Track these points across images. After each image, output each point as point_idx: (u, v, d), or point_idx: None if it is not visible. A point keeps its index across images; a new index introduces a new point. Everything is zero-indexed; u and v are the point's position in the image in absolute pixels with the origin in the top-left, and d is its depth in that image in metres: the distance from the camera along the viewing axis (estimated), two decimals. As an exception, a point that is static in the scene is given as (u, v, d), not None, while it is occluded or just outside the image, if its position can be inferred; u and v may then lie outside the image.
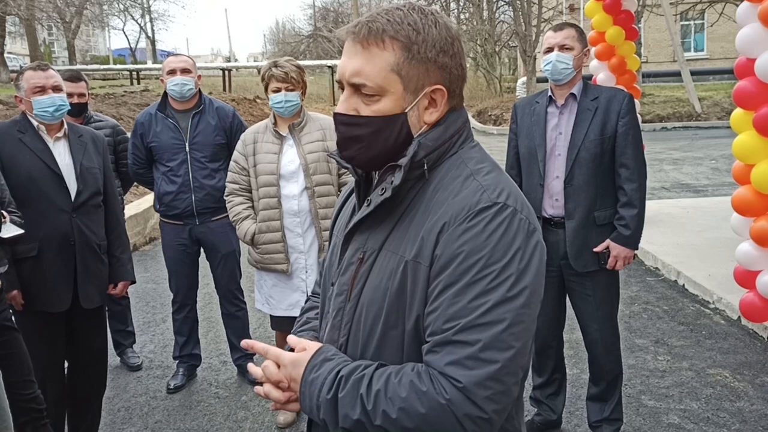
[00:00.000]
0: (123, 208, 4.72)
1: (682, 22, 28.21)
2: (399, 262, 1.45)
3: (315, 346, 1.52)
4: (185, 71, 4.62)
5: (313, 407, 1.43)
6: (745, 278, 5.14)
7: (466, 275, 1.36)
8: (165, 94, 4.73)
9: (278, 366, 1.52)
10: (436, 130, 1.50)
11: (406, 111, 1.47)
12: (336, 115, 1.52)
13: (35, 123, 3.63)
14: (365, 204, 1.54)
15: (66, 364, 3.89)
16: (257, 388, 1.55)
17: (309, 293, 4.04)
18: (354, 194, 1.69)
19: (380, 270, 1.49)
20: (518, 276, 1.37)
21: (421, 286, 1.42)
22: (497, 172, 1.51)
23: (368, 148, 1.49)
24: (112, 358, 4.13)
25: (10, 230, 3.08)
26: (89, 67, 36.89)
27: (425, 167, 1.48)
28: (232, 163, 4.27)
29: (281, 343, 4.28)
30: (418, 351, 1.43)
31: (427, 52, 1.45)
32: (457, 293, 1.36)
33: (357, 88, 1.47)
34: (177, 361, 5.00)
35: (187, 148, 4.64)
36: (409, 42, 1.44)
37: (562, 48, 3.64)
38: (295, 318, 3.74)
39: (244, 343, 1.62)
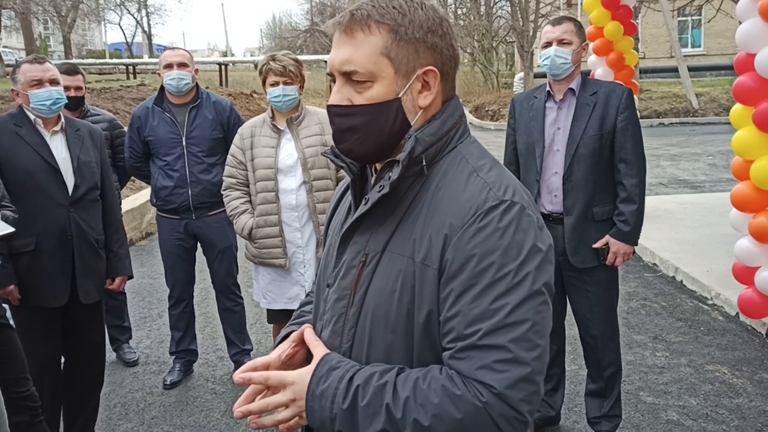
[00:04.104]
0: (120, 203, 4.70)
1: (679, 18, 28.14)
2: (406, 264, 1.42)
3: (320, 352, 1.48)
4: (182, 65, 4.59)
5: (325, 420, 1.38)
6: (744, 274, 5.13)
7: (483, 277, 1.33)
8: (162, 88, 4.71)
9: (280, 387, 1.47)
10: (433, 124, 1.47)
11: (400, 96, 1.44)
12: (330, 108, 1.49)
13: (32, 116, 3.61)
14: (363, 202, 1.50)
15: (62, 360, 3.87)
16: (259, 421, 1.50)
17: (308, 287, 4.04)
18: (349, 193, 1.66)
19: (385, 272, 1.45)
20: (535, 273, 1.35)
21: (430, 288, 1.39)
22: (499, 168, 1.49)
23: (365, 138, 1.46)
24: (108, 354, 4.11)
25: (1, 228, 3.03)
26: (85, 61, 36.64)
27: (424, 163, 1.45)
28: (229, 157, 4.24)
29: (278, 339, 4.26)
30: (428, 352, 1.40)
31: (414, 33, 1.43)
32: (477, 296, 1.33)
33: (348, 77, 1.45)
34: (173, 357, 4.98)
35: (184, 143, 4.62)
36: (396, 24, 1.42)
37: (561, 42, 3.61)
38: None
39: (239, 378, 1.50)
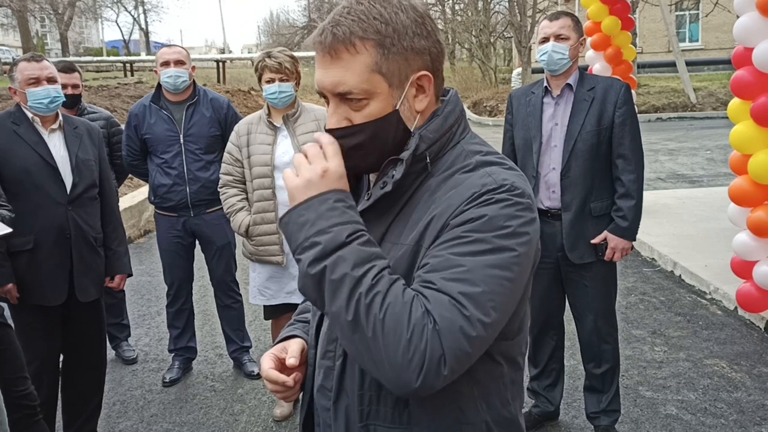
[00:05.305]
0: (118, 201, 4.69)
1: (677, 13, 28.15)
2: (403, 250, 1.40)
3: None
4: (179, 63, 4.58)
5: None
6: (742, 268, 5.14)
7: (462, 235, 1.32)
8: (159, 85, 4.70)
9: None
10: (435, 121, 1.46)
11: (398, 107, 1.43)
12: (330, 132, 1.44)
13: (30, 115, 3.60)
14: (365, 198, 1.49)
15: (61, 358, 3.86)
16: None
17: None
18: None
19: None
20: (516, 254, 1.33)
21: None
22: (502, 161, 1.47)
23: (369, 153, 1.44)
24: (107, 352, 4.10)
25: None
26: (82, 58, 36.53)
27: (428, 160, 1.44)
28: (225, 154, 4.24)
29: (277, 333, 4.26)
30: None
31: (401, 42, 1.39)
32: (450, 246, 1.32)
33: (342, 97, 1.41)
34: (172, 354, 4.98)
35: (182, 140, 4.61)
36: (381, 37, 1.38)
37: (558, 38, 3.60)
38: (293, 305, 3.64)
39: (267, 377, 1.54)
